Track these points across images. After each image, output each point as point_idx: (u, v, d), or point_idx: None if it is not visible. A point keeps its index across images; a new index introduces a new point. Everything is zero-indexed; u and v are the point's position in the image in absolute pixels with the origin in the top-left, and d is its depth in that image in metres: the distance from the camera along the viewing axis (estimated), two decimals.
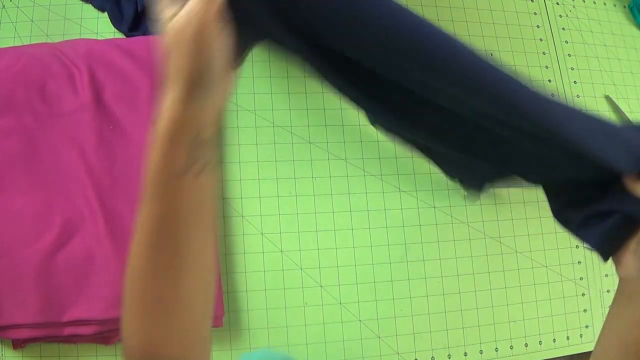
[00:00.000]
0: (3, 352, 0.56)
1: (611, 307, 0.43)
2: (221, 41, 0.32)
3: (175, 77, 0.31)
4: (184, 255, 0.34)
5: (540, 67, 0.82)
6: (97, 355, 0.59)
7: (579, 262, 0.76)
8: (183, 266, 0.34)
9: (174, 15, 0.31)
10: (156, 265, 0.33)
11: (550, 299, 0.73)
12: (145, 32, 0.66)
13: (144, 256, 0.33)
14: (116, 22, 0.67)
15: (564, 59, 0.84)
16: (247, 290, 0.64)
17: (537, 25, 0.84)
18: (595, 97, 0.83)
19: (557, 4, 0.86)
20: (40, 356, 0.58)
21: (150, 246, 0.33)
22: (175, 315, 0.34)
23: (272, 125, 0.70)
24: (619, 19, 0.89)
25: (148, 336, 0.34)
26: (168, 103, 0.31)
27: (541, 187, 0.45)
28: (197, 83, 0.31)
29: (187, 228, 0.33)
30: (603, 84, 0.84)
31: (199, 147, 0.32)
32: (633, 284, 0.40)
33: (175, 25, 0.30)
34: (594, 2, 0.89)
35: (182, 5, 0.30)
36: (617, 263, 0.40)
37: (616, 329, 0.42)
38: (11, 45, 0.64)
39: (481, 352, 0.69)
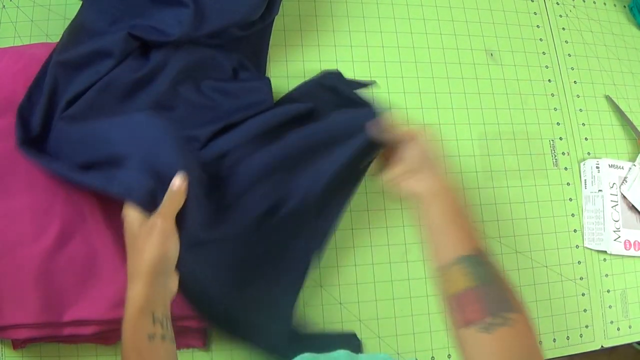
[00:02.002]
0: (3, 352, 0.56)
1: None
2: (176, 242, 0.47)
3: (143, 269, 0.44)
4: None
5: (540, 67, 0.82)
6: (97, 355, 0.59)
7: (579, 262, 0.76)
8: None
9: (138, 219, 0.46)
10: None
11: (550, 299, 0.73)
12: None
13: None
14: None
15: (564, 59, 0.84)
16: None
17: (537, 25, 0.84)
18: (595, 97, 0.83)
19: (557, 4, 0.86)
20: (40, 356, 0.58)
21: None
22: None
23: None
24: (619, 19, 0.89)
25: None
26: (136, 291, 0.44)
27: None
28: (159, 274, 0.45)
29: None
30: (603, 84, 0.84)
31: (158, 322, 0.43)
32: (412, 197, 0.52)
33: (143, 229, 0.46)
34: (594, 2, 0.89)
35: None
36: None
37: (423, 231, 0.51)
38: (11, 45, 0.64)
39: None
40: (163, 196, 0.48)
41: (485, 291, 0.42)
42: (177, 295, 0.55)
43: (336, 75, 0.69)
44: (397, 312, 0.68)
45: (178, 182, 0.48)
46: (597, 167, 0.77)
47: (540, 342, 0.72)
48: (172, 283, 0.47)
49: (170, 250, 0.46)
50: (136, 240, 0.46)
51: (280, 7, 0.68)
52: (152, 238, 0.45)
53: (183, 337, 0.60)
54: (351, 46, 0.74)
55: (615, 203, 0.76)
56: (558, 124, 0.80)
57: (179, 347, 0.60)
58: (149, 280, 0.44)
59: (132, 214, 0.47)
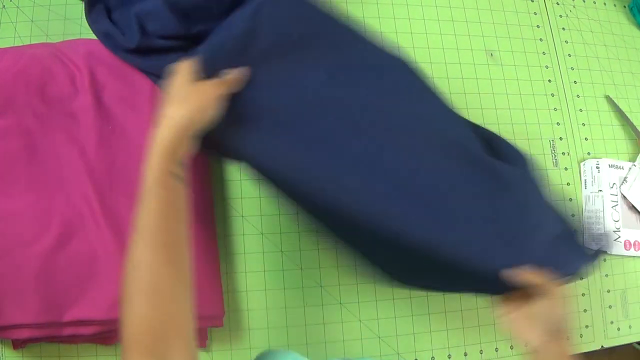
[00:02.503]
0: (3, 352, 0.56)
1: None
2: (216, 109, 0.48)
3: (176, 117, 0.46)
4: (179, 247, 0.43)
5: (540, 67, 0.82)
6: (97, 355, 0.59)
7: None
8: (178, 258, 0.43)
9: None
10: (159, 258, 0.41)
11: None
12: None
13: (149, 251, 0.41)
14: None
15: (564, 59, 0.84)
16: (247, 291, 0.64)
17: (537, 25, 0.84)
18: (595, 97, 0.83)
19: (557, 4, 0.86)
20: (40, 356, 0.58)
21: (154, 242, 0.41)
22: (173, 301, 0.41)
23: None
24: (619, 19, 0.89)
25: (148, 323, 0.38)
26: (169, 128, 0.46)
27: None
28: (188, 127, 0.46)
29: (178, 223, 0.43)
30: (603, 84, 0.84)
31: (180, 163, 0.45)
32: (540, 354, 0.50)
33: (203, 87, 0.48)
34: (594, 2, 0.89)
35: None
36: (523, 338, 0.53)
37: None
38: (11, 45, 0.64)
39: (481, 352, 0.69)
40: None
41: None
42: None
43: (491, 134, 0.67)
44: (397, 312, 0.68)
45: (237, 73, 0.50)
46: (597, 167, 0.77)
47: None
48: (192, 146, 0.48)
49: (210, 115, 0.48)
50: (185, 87, 0.47)
51: None
52: (203, 94, 0.47)
53: None
54: None
55: (615, 203, 0.76)
56: (558, 124, 0.80)
57: None
58: (185, 127, 0.46)
59: (188, 67, 0.49)
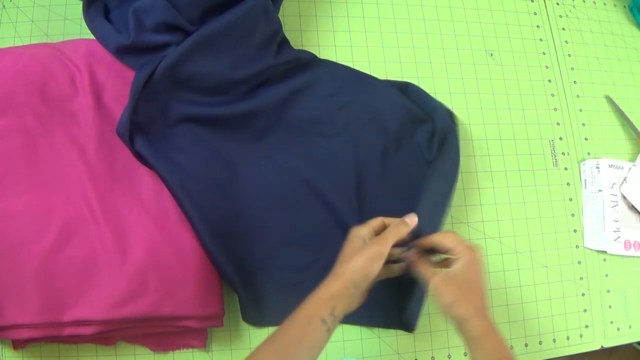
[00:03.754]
0: (3, 352, 0.56)
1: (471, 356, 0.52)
2: (379, 267, 0.52)
3: (347, 272, 0.51)
4: None
5: (540, 67, 0.82)
6: (97, 356, 0.59)
7: (579, 262, 0.76)
8: None
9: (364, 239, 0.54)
10: None
11: (550, 299, 0.73)
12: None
13: None
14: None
15: (564, 59, 0.84)
16: None
17: (537, 25, 0.84)
18: (595, 97, 0.83)
19: (557, 4, 0.86)
20: (40, 356, 0.58)
21: (273, 353, 0.47)
22: None
23: None
24: (619, 19, 0.89)
25: None
26: (333, 284, 0.51)
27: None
28: (356, 286, 0.51)
29: (301, 358, 0.47)
30: (603, 84, 0.84)
31: (333, 315, 0.49)
32: (470, 326, 0.51)
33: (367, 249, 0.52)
34: (594, 2, 0.89)
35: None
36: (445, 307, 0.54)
37: None
38: (11, 45, 0.64)
39: None
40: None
41: None
42: (175, 297, 0.55)
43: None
44: None
45: (410, 220, 0.56)
46: (597, 167, 0.77)
47: (540, 342, 0.72)
48: (358, 300, 0.53)
49: (373, 272, 0.52)
50: (353, 250, 0.53)
51: (280, 8, 0.68)
52: (363, 253, 0.52)
53: (183, 337, 0.60)
54: (351, 46, 0.74)
55: (615, 203, 0.76)
56: (558, 124, 0.80)
57: (178, 347, 0.60)
58: (347, 283, 0.50)
59: (363, 230, 0.55)
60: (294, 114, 0.65)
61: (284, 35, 0.68)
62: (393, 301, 0.64)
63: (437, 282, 0.54)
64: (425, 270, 0.56)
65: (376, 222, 0.56)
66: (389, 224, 0.56)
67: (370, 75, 0.72)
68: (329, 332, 0.49)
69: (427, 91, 0.75)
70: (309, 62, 0.69)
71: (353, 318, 0.60)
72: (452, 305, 0.52)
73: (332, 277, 0.51)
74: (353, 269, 0.51)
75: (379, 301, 0.63)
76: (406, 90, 0.72)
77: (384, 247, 0.53)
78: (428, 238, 0.57)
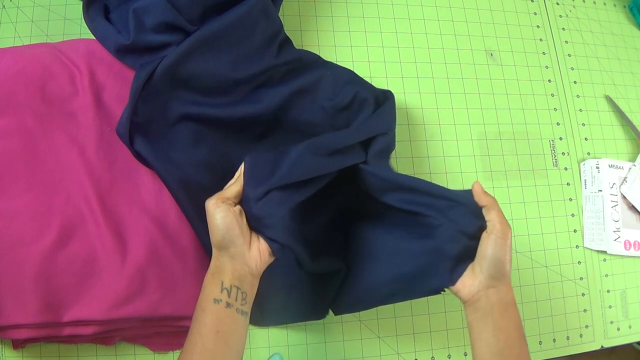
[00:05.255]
0: (3, 352, 0.56)
1: (471, 330, 0.50)
2: (228, 217, 0.48)
3: (212, 244, 0.49)
4: None
5: (540, 67, 0.82)
6: (97, 356, 0.59)
7: (579, 262, 0.76)
8: None
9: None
10: None
11: (550, 299, 0.73)
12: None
13: None
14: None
15: (564, 59, 0.84)
16: None
17: (537, 25, 0.84)
18: (595, 97, 0.83)
19: (557, 4, 0.86)
20: (40, 356, 0.58)
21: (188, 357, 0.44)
22: None
23: None
24: (619, 19, 0.89)
25: None
26: (212, 259, 0.49)
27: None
28: (220, 246, 0.49)
29: (215, 344, 0.45)
30: (603, 84, 0.84)
31: (225, 290, 0.47)
32: (481, 302, 0.49)
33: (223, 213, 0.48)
34: (594, 2, 0.89)
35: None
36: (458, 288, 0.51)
37: (485, 342, 0.48)
38: (11, 45, 0.64)
39: None
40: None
41: None
42: (175, 297, 0.55)
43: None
44: (397, 312, 0.68)
45: (239, 170, 0.52)
46: (597, 167, 0.77)
47: (540, 342, 0.72)
48: (252, 259, 0.50)
49: (224, 223, 0.48)
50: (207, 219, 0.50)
51: (280, 8, 0.68)
52: (211, 217, 0.49)
53: (183, 337, 0.59)
54: (351, 46, 0.74)
55: (615, 203, 0.76)
56: (558, 124, 0.80)
57: (178, 347, 0.60)
58: (216, 252, 0.49)
59: (213, 200, 0.50)
60: (294, 116, 0.65)
61: (286, 35, 0.68)
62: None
63: (509, 231, 0.49)
64: (501, 216, 0.50)
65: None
66: None
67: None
68: (232, 307, 0.47)
69: (427, 91, 0.75)
70: (311, 63, 0.68)
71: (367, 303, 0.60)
72: (508, 262, 0.49)
73: (214, 252, 0.50)
74: (212, 236, 0.49)
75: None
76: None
77: (219, 198, 0.49)
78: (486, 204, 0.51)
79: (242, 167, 0.52)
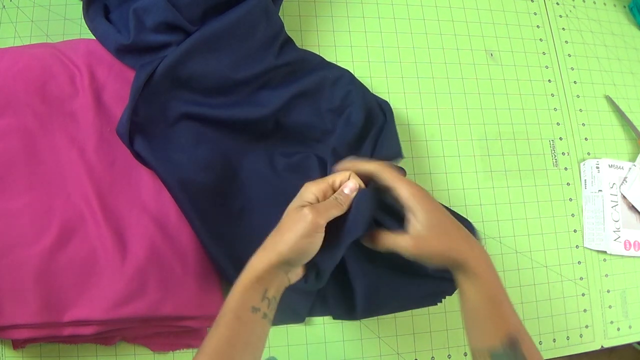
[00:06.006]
0: (3, 352, 0.56)
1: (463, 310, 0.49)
2: (318, 242, 0.45)
3: (278, 248, 0.44)
4: None
5: (540, 67, 0.82)
6: (97, 356, 0.59)
7: (579, 262, 0.76)
8: None
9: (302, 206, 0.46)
10: None
11: (550, 299, 0.73)
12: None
13: None
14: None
15: (564, 59, 0.84)
16: None
17: (537, 25, 0.84)
18: (595, 97, 0.83)
19: (557, 4, 0.86)
20: (40, 356, 0.58)
21: None
22: None
23: None
24: (619, 19, 0.89)
25: None
26: (261, 262, 0.44)
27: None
28: (289, 262, 0.45)
29: (243, 355, 0.42)
30: (603, 84, 0.84)
31: (266, 299, 0.44)
32: (472, 263, 0.47)
33: (303, 215, 0.45)
34: (594, 2, 0.89)
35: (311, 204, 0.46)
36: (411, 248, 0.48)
37: (463, 313, 0.49)
38: (11, 45, 0.64)
39: None
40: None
41: None
42: (176, 297, 0.55)
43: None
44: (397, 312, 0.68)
45: (352, 186, 0.49)
46: (597, 167, 0.77)
47: (540, 342, 0.72)
48: (295, 275, 0.48)
49: (311, 247, 0.45)
50: (286, 219, 0.46)
51: (281, 8, 0.68)
52: (298, 225, 0.44)
53: (183, 337, 0.60)
54: (351, 46, 0.74)
55: (615, 203, 0.76)
56: (558, 124, 0.80)
57: (178, 347, 0.60)
58: (278, 261, 0.44)
59: (313, 189, 0.47)
60: (294, 118, 0.65)
61: (288, 35, 0.68)
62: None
63: (414, 246, 0.47)
64: (393, 238, 0.48)
65: (337, 177, 0.49)
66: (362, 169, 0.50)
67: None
68: (267, 317, 0.44)
69: (427, 91, 0.75)
70: (313, 65, 0.68)
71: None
72: (445, 253, 0.47)
73: (260, 253, 0.45)
74: (286, 245, 0.44)
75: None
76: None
77: (321, 217, 0.45)
78: (390, 182, 0.49)
79: (349, 191, 0.48)
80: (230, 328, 0.42)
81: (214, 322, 0.43)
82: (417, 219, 0.47)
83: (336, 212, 0.47)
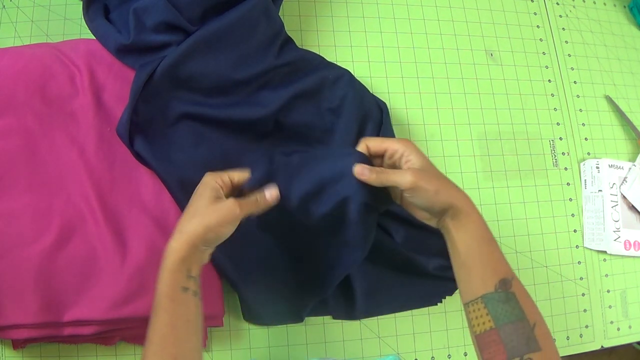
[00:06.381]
0: (3, 352, 0.56)
1: (451, 254, 0.50)
2: (232, 231, 0.49)
3: (199, 230, 0.47)
4: (184, 357, 0.44)
5: (540, 67, 0.82)
6: (97, 356, 0.59)
7: (579, 262, 0.76)
8: None
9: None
10: None
11: (550, 299, 0.73)
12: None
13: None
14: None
15: (564, 59, 0.84)
16: None
17: (537, 25, 0.84)
18: (595, 97, 0.83)
19: (557, 4, 0.86)
20: (40, 356, 0.58)
21: (163, 354, 0.43)
22: None
23: None
24: (619, 19, 0.89)
25: None
26: (180, 245, 0.46)
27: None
28: (206, 243, 0.48)
29: (188, 335, 0.45)
30: (603, 84, 0.84)
31: (192, 278, 0.46)
32: (460, 205, 0.49)
33: (220, 207, 0.48)
34: (594, 2, 0.89)
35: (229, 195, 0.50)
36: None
37: (451, 258, 0.50)
38: (11, 45, 0.64)
39: None
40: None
41: (507, 332, 0.43)
42: None
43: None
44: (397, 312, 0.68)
45: (274, 194, 0.52)
46: (597, 167, 0.77)
47: None
48: (207, 256, 0.50)
49: (225, 233, 0.49)
50: (204, 203, 0.48)
51: (281, 8, 0.68)
52: (220, 212, 0.48)
53: None
54: (351, 46, 0.74)
55: (615, 203, 0.76)
56: (558, 124, 0.80)
57: None
58: (196, 243, 0.46)
59: (218, 180, 0.50)
60: (294, 118, 0.65)
61: (288, 35, 0.68)
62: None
63: (414, 177, 0.48)
64: (392, 173, 0.50)
65: (235, 175, 0.52)
66: None
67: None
68: (197, 295, 0.47)
69: (427, 91, 0.75)
70: (313, 65, 0.68)
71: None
72: (438, 193, 0.48)
73: (178, 236, 0.47)
74: (207, 228, 0.47)
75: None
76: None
77: (242, 211, 0.49)
78: (380, 143, 0.52)
79: (269, 196, 0.52)
80: (168, 311, 0.44)
81: (151, 312, 0.45)
82: (412, 162, 0.50)
83: (254, 212, 0.51)
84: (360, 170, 0.50)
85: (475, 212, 0.50)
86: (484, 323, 0.44)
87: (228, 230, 0.49)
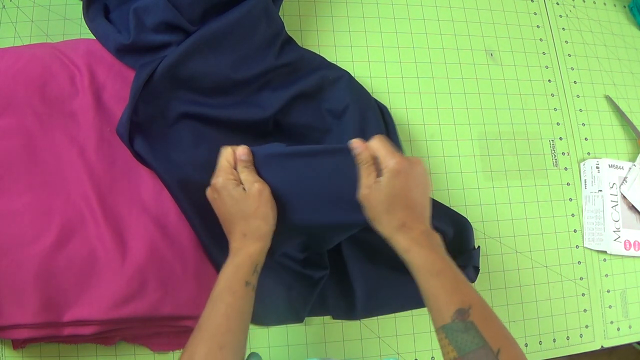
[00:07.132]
0: (3, 352, 0.56)
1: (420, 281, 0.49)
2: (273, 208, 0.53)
3: (263, 229, 0.51)
4: (237, 348, 0.46)
5: (540, 67, 0.82)
6: (97, 356, 0.59)
7: (579, 262, 0.76)
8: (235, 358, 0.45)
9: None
10: (216, 358, 0.44)
11: (550, 299, 0.73)
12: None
13: (207, 350, 0.44)
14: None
15: (564, 59, 0.84)
16: None
17: (537, 25, 0.84)
18: (595, 97, 0.83)
19: (557, 4, 0.86)
20: (40, 356, 0.58)
21: (214, 343, 0.45)
22: None
23: None
24: (619, 19, 0.89)
25: None
26: (254, 248, 0.50)
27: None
28: (265, 236, 0.51)
29: (240, 325, 0.47)
30: (603, 84, 0.84)
31: (256, 272, 0.50)
32: (393, 242, 0.49)
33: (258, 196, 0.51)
34: (594, 2, 0.89)
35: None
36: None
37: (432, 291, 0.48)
38: (11, 45, 0.65)
39: None
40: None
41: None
42: (175, 296, 0.55)
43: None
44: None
45: (240, 151, 0.54)
46: (597, 167, 0.77)
47: (540, 342, 0.72)
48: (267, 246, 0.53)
49: (274, 204, 0.53)
50: (247, 202, 0.51)
51: (281, 8, 0.68)
52: (269, 203, 0.51)
53: (183, 337, 0.59)
54: (351, 46, 0.74)
55: (615, 203, 0.76)
56: (558, 124, 0.80)
57: (178, 347, 0.60)
58: (266, 239, 0.51)
59: (229, 177, 0.52)
60: (294, 118, 0.65)
61: (288, 35, 0.68)
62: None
63: (363, 194, 0.50)
64: (362, 179, 0.51)
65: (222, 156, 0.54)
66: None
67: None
68: (254, 289, 0.50)
69: (427, 91, 0.75)
70: (313, 65, 0.68)
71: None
72: (372, 222, 0.50)
73: (241, 239, 0.51)
74: (268, 225, 0.51)
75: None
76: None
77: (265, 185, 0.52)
78: (385, 152, 0.52)
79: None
80: (226, 303, 0.47)
81: (208, 302, 0.48)
82: (381, 178, 0.50)
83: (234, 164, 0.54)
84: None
85: (417, 245, 0.48)
86: (448, 353, 0.44)
87: (273, 202, 0.52)
